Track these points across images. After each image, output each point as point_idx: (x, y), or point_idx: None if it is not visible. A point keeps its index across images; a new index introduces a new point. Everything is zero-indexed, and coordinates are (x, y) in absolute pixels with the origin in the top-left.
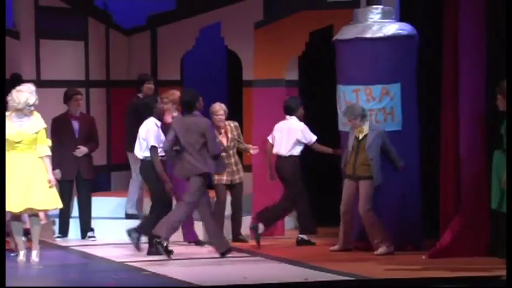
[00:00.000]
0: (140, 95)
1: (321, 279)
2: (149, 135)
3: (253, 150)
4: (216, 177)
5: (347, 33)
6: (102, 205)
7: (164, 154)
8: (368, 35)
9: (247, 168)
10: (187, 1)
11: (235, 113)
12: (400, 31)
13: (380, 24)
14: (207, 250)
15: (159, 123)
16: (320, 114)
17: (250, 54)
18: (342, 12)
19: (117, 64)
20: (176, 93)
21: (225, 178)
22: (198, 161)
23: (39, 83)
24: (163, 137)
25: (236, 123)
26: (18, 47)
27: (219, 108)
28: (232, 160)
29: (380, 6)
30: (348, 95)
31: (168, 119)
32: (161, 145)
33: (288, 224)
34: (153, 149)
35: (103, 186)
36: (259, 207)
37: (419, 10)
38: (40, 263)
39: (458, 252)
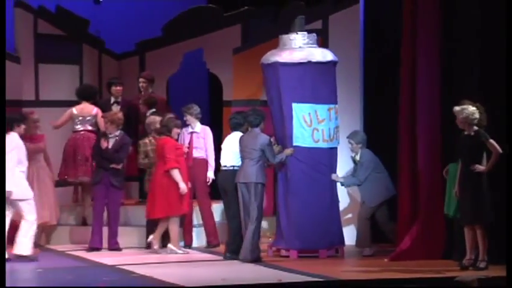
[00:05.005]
0: (112, 98)
1: (292, 280)
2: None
3: None
4: None
5: (323, 55)
6: None
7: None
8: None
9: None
10: (173, 29)
11: (216, 130)
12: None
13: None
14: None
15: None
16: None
17: (229, 76)
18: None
19: None
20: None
21: None
22: None
23: (38, 103)
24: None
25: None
26: (19, 70)
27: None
28: None
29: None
30: (323, 113)
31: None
32: None
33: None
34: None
35: None
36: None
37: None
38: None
39: (417, 256)
